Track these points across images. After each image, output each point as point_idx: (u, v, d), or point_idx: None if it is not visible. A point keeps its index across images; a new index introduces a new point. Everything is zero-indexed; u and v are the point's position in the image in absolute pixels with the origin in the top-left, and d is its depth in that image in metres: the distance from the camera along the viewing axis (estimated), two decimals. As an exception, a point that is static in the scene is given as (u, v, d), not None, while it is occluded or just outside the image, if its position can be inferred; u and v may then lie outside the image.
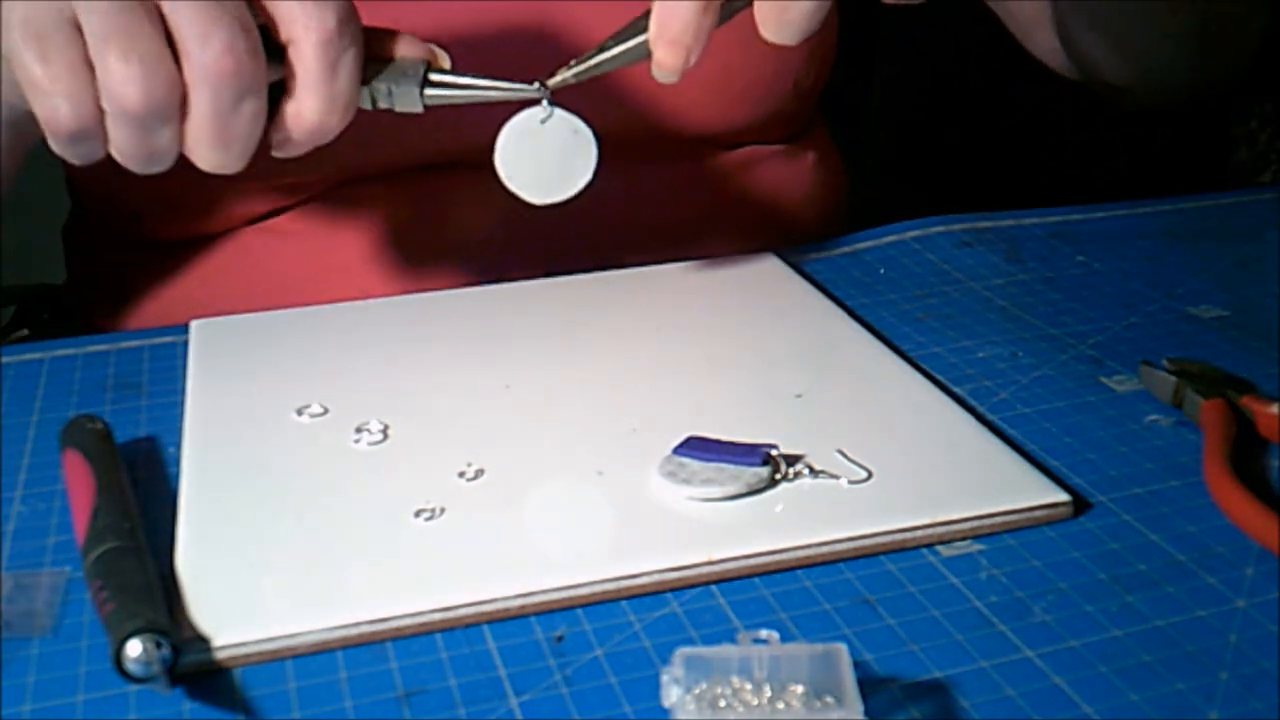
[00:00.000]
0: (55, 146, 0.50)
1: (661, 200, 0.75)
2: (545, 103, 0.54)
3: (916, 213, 0.76)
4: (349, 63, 0.50)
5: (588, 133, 0.55)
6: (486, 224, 0.71)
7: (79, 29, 0.47)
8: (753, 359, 0.59)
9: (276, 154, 0.53)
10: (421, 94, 0.53)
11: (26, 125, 0.51)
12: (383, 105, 0.53)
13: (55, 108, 0.48)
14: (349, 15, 0.50)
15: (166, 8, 0.48)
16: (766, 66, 0.73)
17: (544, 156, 0.55)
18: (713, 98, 0.72)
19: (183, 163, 0.51)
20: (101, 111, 0.48)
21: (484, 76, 0.53)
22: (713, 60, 0.71)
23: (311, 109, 0.51)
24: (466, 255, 0.71)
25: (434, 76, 0.53)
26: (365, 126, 0.70)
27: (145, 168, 0.50)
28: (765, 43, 0.52)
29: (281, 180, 0.69)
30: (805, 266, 0.69)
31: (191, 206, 0.71)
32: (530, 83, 0.54)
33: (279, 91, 0.51)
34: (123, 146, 0.49)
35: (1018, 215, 0.76)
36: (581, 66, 0.53)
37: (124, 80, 0.47)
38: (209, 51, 0.47)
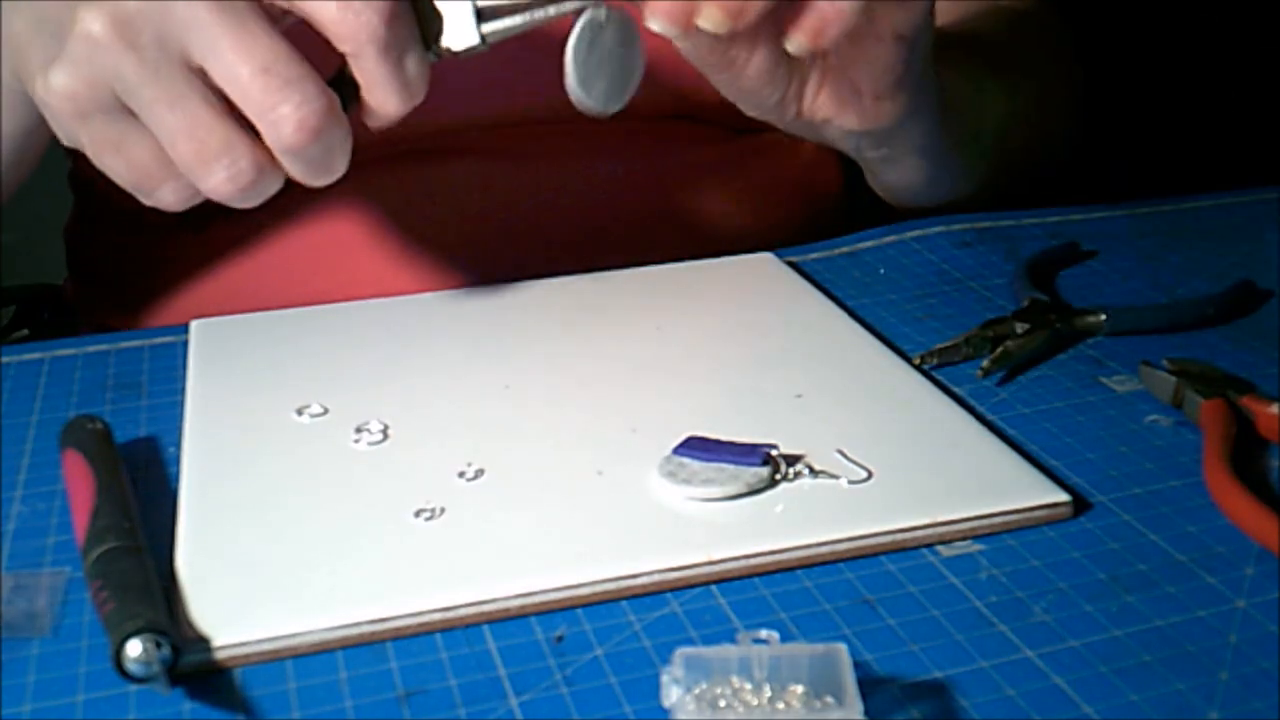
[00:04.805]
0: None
1: (654, 187, 0.75)
2: (595, 6, 0.53)
3: (916, 213, 0.76)
4: (411, 52, 0.50)
5: (634, 25, 0.54)
6: (483, 212, 0.71)
7: (123, 109, 0.48)
8: (753, 359, 0.59)
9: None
10: (480, 34, 0.52)
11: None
12: (447, 56, 0.53)
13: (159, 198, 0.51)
14: (393, 7, 0.49)
15: (230, 92, 0.48)
16: None
17: (607, 62, 0.54)
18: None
19: None
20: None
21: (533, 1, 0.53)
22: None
23: (388, 104, 0.51)
24: (464, 245, 0.71)
25: (482, 5, 0.52)
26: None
27: (246, 200, 0.51)
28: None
29: None
30: (804, 266, 0.69)
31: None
32: None
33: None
34: (221, 192, 0.50)
35: (1018, 215, 0.76)
36: None
37: (211, 178, 0.49)
38: (285, 129, 0.48)
